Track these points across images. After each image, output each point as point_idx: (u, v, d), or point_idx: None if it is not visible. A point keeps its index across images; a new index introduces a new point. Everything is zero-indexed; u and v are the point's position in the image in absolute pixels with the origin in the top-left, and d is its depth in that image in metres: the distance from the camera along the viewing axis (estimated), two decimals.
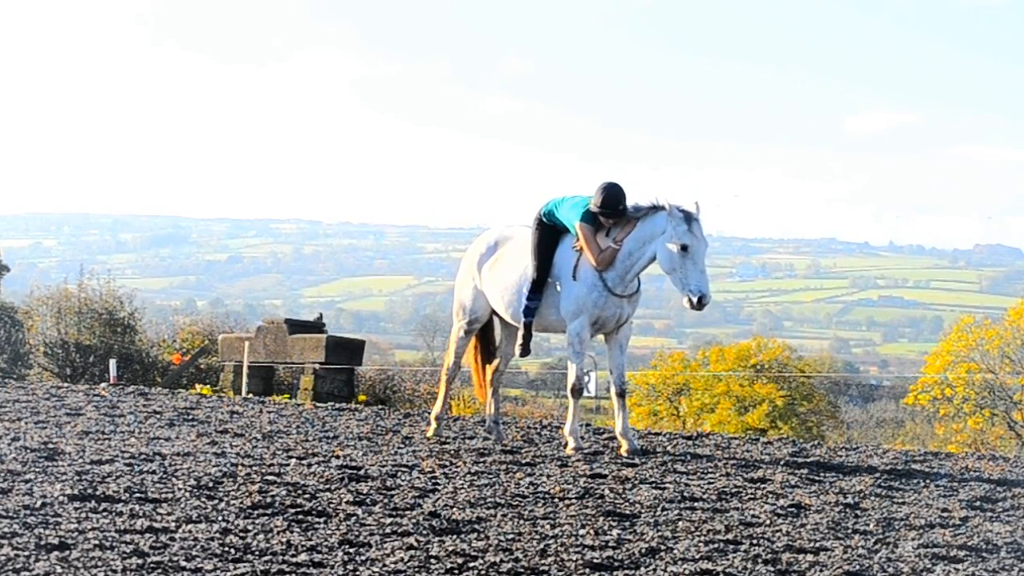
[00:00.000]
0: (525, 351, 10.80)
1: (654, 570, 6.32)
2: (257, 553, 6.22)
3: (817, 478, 9.50)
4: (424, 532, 6.93)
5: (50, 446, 9.35)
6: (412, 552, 6.41)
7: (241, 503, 7.43)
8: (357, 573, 5.97)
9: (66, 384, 18.94)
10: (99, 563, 5.79)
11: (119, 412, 12.31)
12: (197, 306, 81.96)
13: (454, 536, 6.86)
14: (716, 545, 6.93)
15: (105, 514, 6.89)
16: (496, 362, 11.46)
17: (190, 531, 6.59)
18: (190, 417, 12.19)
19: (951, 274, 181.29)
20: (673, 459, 10.21)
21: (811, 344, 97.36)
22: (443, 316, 70.52)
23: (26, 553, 5.88)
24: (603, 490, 8.56)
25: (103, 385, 17.42)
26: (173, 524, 6.73)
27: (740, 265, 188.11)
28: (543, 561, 6.38)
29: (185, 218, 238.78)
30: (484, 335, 11.49)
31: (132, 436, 10.35)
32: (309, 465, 9.03)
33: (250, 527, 6.77)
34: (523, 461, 9.84)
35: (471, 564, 6.23)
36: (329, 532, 6.78)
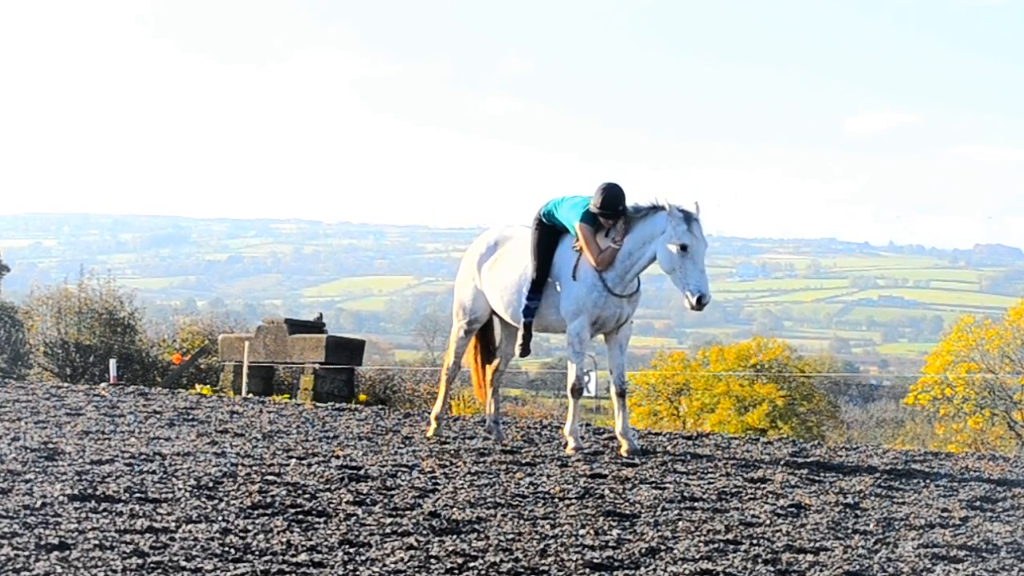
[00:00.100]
0: (525, 351, 10.80)
1: (654, 570, 6.32)
2: (257, 553, 6.22)
3: (817, 478, 9.50)
4: (424, 532, 6.93)
5: (50, 446, 9.35)
6: (412, 552, 6.41)
7: (241, 503, 7.43)
8: (357, 573, 5.97)
9: (66, 384, 18.94)
10: (99, 563, 5.79)
11: (119, 412, 12.31)
12: (197, 306, 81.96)
13: (454, 536, 6.86)
14: (716, 545, 6.93)
15: (105, 514, 6.89)
16: (496, 362, 11.45)
17: (190, 531, 6.58)
18: (190, 417, 12.19)
19: (951, 274, 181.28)
20: (673, 459, 10.20)
21: (811, 344, 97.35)
22: (443, 316, 70.52)
23: (26, 553, 5.88)
24: (603, 490, 8.56)
25: (103, 385, 17.42)
26: (173, 524, 6.73)
27: (740, 265, 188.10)
28: (543, 561, 6.38)
29: (185, 218, 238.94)
30: (484, 335, 11.49)
31: (132, 436, 10.35)
32: (309, 465, 9.03)
33: (250, 527, 6.77)
34: (523, 461, 9.84)
35: (471, 564, 6.22)
36: (329, 532, 6.78)
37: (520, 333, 10.84)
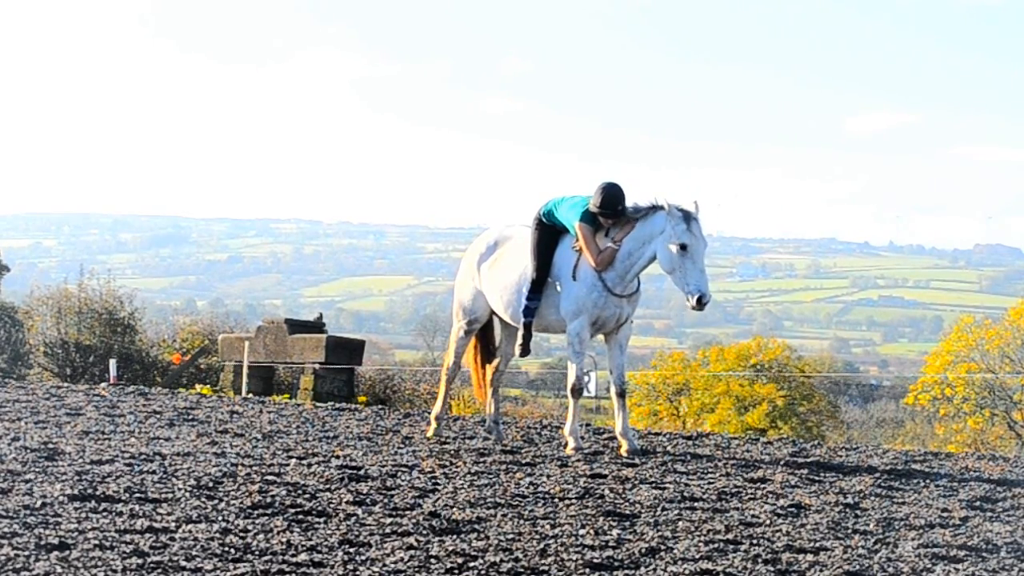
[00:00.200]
0: (525, 351, 10.80)
1: (654, 570, 6.32)
2: (257, 553, 6.22)
3: (817, 478, 9.50)
4: (424, 532, 6.93)
5: (50, 446, 9.35)
6: (412, 552, 6.41)
7: (241, 503, 7.43)
8: (357, 573, 5.97)
9: (66, 384, 18.94)
10: (99, 563, 5.79)
11: (119, 412, 12.31)
12: (197, 306, 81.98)
13: (454, 536, 6.86)
14: (716, 545, 6.93)
15: (105, 514, 6.88)
16: (496, 362, 11.45)
17: (190, 531, 6.58)
18: (190, 417, 12.19)
19: (951, 274, 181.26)
20: (673, 459, 10.20)
21: (811, 344, 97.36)
22: (443, 316, 70.50)
23: (26, 553, 5.88)
24: (603, 490, 8.56)
25: (103, 385, 17.42)
26: (173, 524, 6.73)
27: (740, 265, 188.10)
28: (543, 561, 6.38)
29: (185, 218, 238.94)
30: (484, 335, 11.49)
31: (132, 436, 10.35)
32: (309, 465, 9.03)
33: (250, 527, 6.77)
34: (523, 461, 9.84)
35: (471, 564, 6.22)
36: (329, 532, 6.78)
37: (520, 333, 10.84)
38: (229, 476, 8.35)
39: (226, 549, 6.24)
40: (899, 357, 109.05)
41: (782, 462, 10.26)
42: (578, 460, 9.98)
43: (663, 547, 6.82)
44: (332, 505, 7.54)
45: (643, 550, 6.71)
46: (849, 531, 7.51)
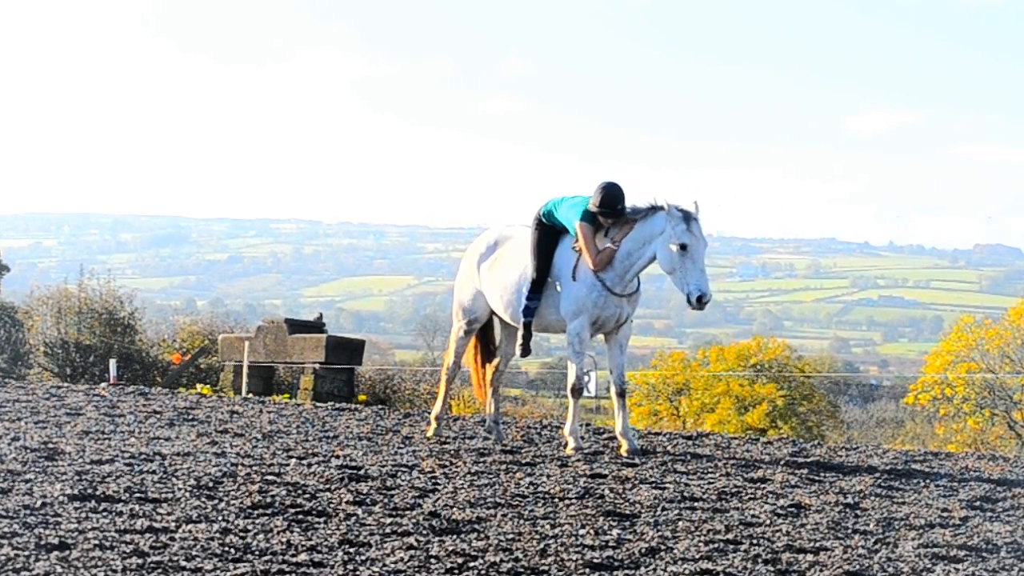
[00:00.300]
0: (525, 351, 10.81)
1: (654, 570, 6.32)
2: (257, 553, 6.22)
3: (817, 478, 9.50)
4: (424, 532, 6.93)
5: (50, 446, 9.35)
6: (412, 552, 6.41)
7: (241, 503, 7.43)
8: (357, 573, 5.97)
9: (66, 384, 18.94)
10: (99, 563, 5.79)
11: (119, 412, 12.31)
12: (197, 306, 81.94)
13: (454, 536, 6.86)
14: (716, 545, 6.93)
15: (105, 514, 6.89)
16: (496, 362, 11.46)
17: (190, 531, 6.58)
18: (190, 417, 12.19)
19: (951, 274, 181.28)
20: (673, 459, 10.20)
21: (811, 344, 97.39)
22: (443, 316, 70.51)
23: (26, 553, 5.88)
24: (603, 490, 8.56)
25: (103, 385, 17.42)
26: (173, 524, 6.73)
27: (740, 265, 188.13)
28: (543, 561, 6.38)
29: (185, 218, 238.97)
30: (484, 335, 11.49)
31: (132, 436, 10.35)
32: (309, 465, 9.03)
33: (250, 527, 6.77)
34: (523, 461, 9.84)
35: (471, 564, 6.22)
36: (329, 532, 6.78)
37: (520, 333, 10.84)
38: (229, 476, 8.35)
39: (226, 549, 6.24)
40: (899, 357, 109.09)
41: (782, 462, 10.26)
42: (578, 460, 9.98)
43: (663, 547, 6.82)
44: (332, 505, 7.54)
45: (643, 550, 6.71)
46: (849, 531, 7.51)
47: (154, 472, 8.37)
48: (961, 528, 7.72)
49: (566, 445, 10.63)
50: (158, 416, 12.13)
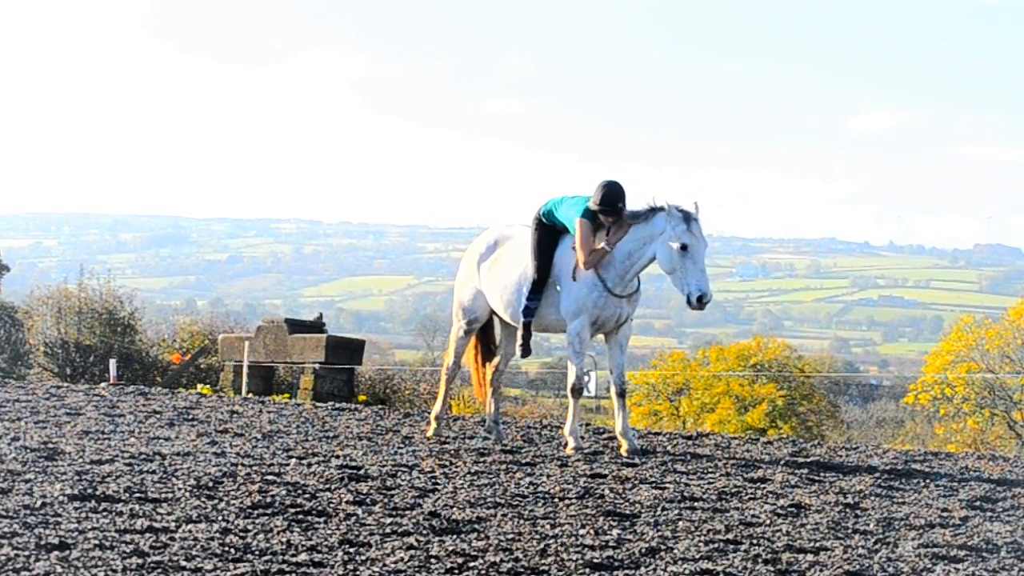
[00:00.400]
0: (525, 351, 10.80)
1: (654, 570, 6.32)
2: (257, 553, 6.22)
3: (817, 478, 9.50)
4: (424, 532, 6.93)
5: (50, 446, 9.35)
6: (412, 552, 6.41)
7: (241, 503, 7.43)
8: (357, 573, 5.97)
9: (66, 384, 18.93)
10: (99, 563, 5.79)
11: (119, 412, 12.31)
12: (197, 306, 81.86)
13: (454, 536, 6.86)
14: (716, 545, 6.93)
15: (105, 514, 6.88)
16: (496, 362, 11.46)
17: (190, 531, 6.58)
18: (190, 417, 12.19)
19: (951, 274, 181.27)
20: (673, 459, 10.20)
21: (811, 344, 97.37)
22: (443, 316, 70.49)
23: (26, 553, 5.88)
24: (603, 490, 8.56)
25: (103, 385, 17.42)
26: (173, 524, 6.73)
27: (740, 265, 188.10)
28: (543, 561, 6.38)
29: (185, 218, 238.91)
30: (484, 335, 11.49)
31: (132, 436, 10.35)
32: (309, 465, 9.03)
33: (250, 527, 6.77)
34: (523, 461, 9.84)
35: (471, 564, 6.22)
36: (329, 532, 6.78)
37: (519, 333, 10.84)
38: (229, 476, 8.35)
39: (226, 549, 6.24)
40: (899, 357, 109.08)
41: (782, 462, 10.26)
42: (578, 460, 9.98)
43: (663, 547, 6.82)
44: (332, 505, 7.54)
45: (643, 550, 6.71)
46: (849, 531, 7.51)
47: (154, 472, 8.37)
48: (961, 528, 7.72)
49: (566, 445, 10.63)
50: (158, 416, 12.12)
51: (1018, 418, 33.86)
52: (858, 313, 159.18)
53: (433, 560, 6.27)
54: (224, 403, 14.33)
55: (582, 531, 7.14)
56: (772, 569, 6.46)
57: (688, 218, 10.12)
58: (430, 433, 11.35)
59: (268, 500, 7.53)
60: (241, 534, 6.59)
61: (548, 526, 7.25)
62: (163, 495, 7.54)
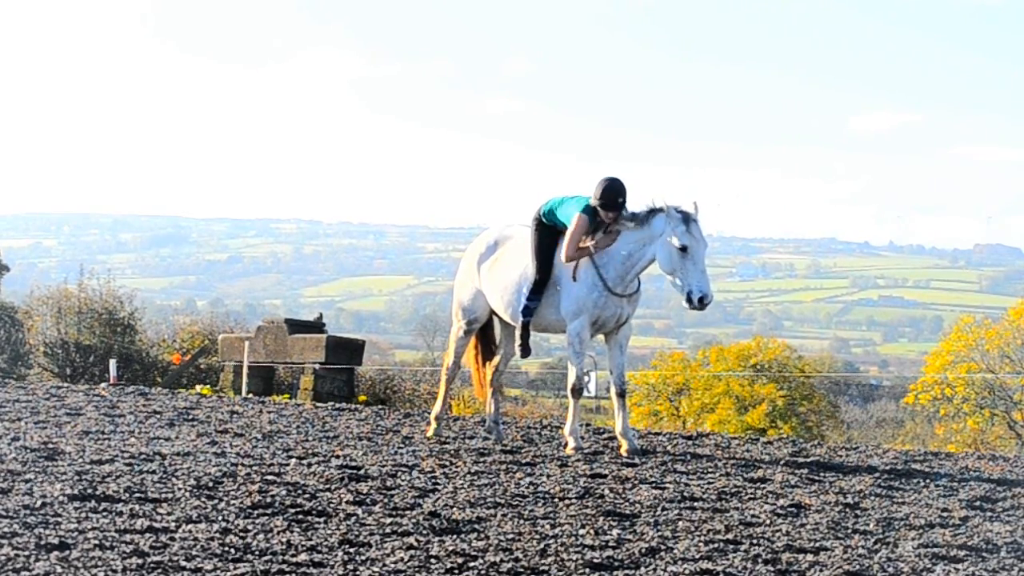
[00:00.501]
0: (525, 351, 10.80)
1: (654, 570, 6.32)
2: (257, 553, 6.22)
3: (817, 478, 9.50)
4: (424, 532, 6.93)
5: (50, 446, 9.35)
6: (412, 552, 6.41)
7: (241, 503, 7.43)
8: (357, 573, 5.97)
9: (66, 384, 18.94)
10: (99, 563, 5.79)
11: (119, 412, 12.31)
12: (197, 306, 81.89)
13: (454, 536, 6.86)
14: (716, 545, 6.93)
15: (105, 514, 6.88)
16: (496, 362, 11.46)
17: (190, 531, 6.58)
18: (190, 417, 12.19)
19: (951, 274, 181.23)
20: (673, 459, 10.20)
21: (811, 344, 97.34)
22: (443, 316, 70.46)
23: (26, 553, 5.88)
24: (603, 490, 8.56)
25: (103, 385, 17.42)
26: (173, 524, 6.73)
27: (740, 265, 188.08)
28: (543, 561, 6.38)
29: (185, 218, 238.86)
30: (484, 335, 11.49)
31: (132, 436, 10.35)
32: (309, 465, 9.03)
33: (250, 527, 6.77)
34: (523, 461, 9.84)
35: (471, 564, 6.22)
36: (329, 532, 6.78)
37: (518, 333, 10.83)
38: (229, 476, 8.35)
39: (226, 549, 6.24)
40: (899, 357, 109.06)
41: (782, 462, 10.26)
42: (578, 460, 9.98)
43: (663, 547, 6.82)
44: (332, 505, 7.54)
45: (643, 550, 6.71)
46: (849, 531, 7.51)
47: (154, 472, 8.37)
48: (961, 528, 7.72)
49: (566, 445, 10.63)
50: (158, 416, 12.12)
51: (1018, 418, 33.86)
52: (858, 313, 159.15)
53: (433, 560, 6.27)
54: (224, 403, 14.33)
55: (582, 531, 7.14)
56: (772, 569, 6.46)
57: (687, 219, 10.11)
58: (430, 433, 11.35)
59: (268, 500, 7.53)
60: (241, 534, 6.59)
61: (548, 526, 7.25)
62: (163, 495, 7.54)
